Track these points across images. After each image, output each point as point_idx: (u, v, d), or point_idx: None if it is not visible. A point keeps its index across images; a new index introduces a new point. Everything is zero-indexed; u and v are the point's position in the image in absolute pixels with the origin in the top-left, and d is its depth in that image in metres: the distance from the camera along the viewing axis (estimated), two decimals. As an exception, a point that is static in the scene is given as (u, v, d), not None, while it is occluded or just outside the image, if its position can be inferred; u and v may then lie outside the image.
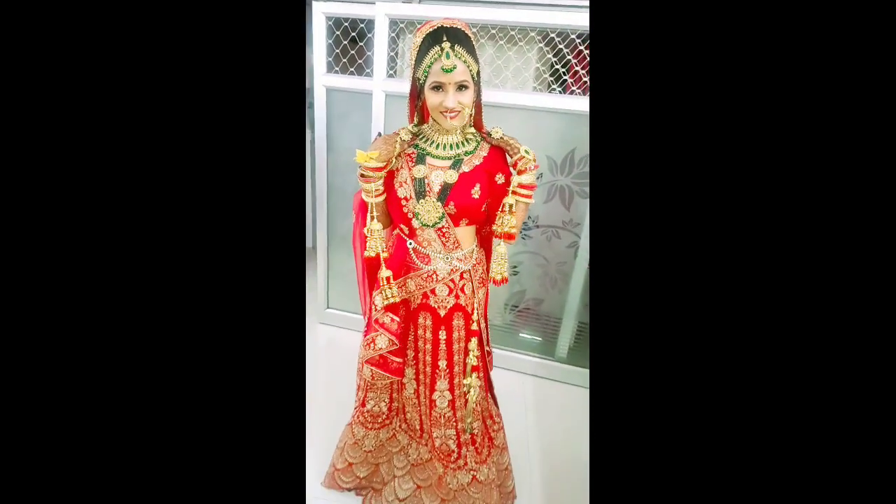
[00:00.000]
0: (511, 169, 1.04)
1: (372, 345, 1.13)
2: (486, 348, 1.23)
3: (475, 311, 1.12)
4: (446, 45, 0.91)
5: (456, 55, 0.92)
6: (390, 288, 1.06)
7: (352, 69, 1.97)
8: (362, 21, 1.84)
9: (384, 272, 1.04)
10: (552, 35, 1.67)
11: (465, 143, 1.05)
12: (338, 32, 1.86)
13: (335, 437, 1.37)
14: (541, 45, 1.74)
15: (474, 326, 1.12)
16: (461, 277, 1.10)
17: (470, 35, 0.95)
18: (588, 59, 1.67)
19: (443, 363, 1.14)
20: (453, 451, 1.19)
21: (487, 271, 1.12)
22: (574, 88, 1.72)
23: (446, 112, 0.96)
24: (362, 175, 1.00)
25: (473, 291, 1.11)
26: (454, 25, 0.94)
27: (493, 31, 1.72)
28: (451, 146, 1.04)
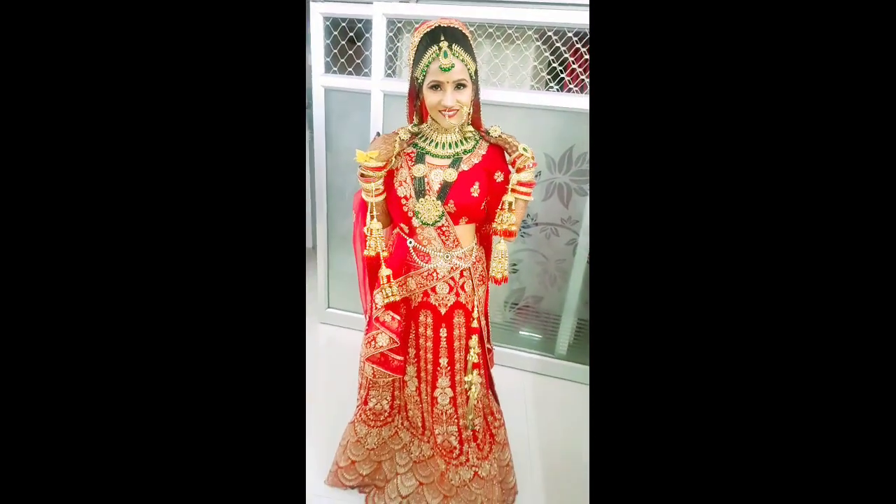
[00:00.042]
0: (510, 167, 1.05)
1: (373, 343, 1.14)
2: (487, 345, 1.24)
3: (475, 309, 1.13)
4: (444, 44, 0.91)
5: (454, 54, 0.92)
6: (390, 286, 1.06)
7: (350, 69, 1.98)
8: (360, 21, 1.84)
9: (384, 271, 1.05)
10: (549, 33, 1.68)
11: (464, 142, 1.05)
12: (335, 32, 1.87)
13: (336, 436, 1.38)
14: (538, 43, 1.74)
15: (475, 324, 1.12)
16: (461, 275, 1.11)
17: (467, 34, 0.96)
18: (585, 57, 1.67)
19: (444, 360, 1.15)
20: (455, 448, 1.20)
21: (487, 269, 1.13)
22: (571, 86, 1.72)
23: (445, 111, 0.97)
24: (362, 175, 1.00)
25: (473, 289, 1.12)
26: (451, 25, 0.94)
27: (491, 30, 1.73)
28: (449, 145, 1.05)
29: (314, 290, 2.31)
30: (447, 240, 1.07)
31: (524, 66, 1.81)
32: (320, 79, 1.91)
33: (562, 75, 1.74)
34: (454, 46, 0.92)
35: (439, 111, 0.98)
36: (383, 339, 1.13)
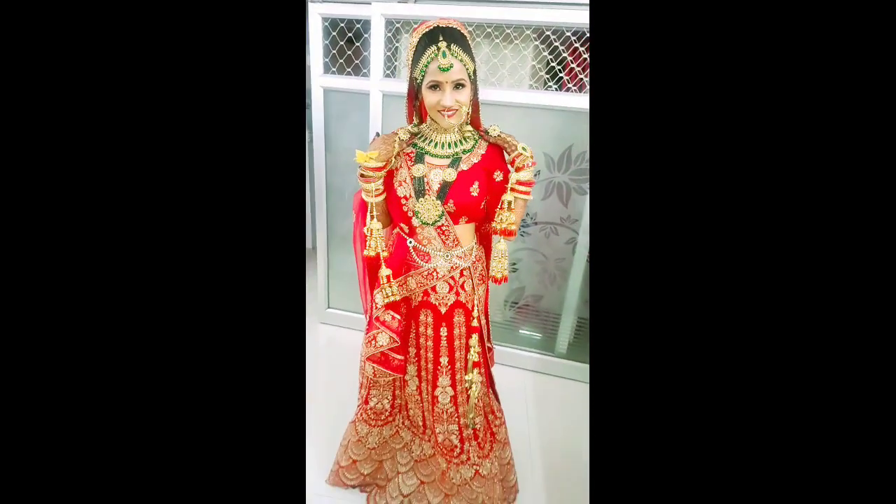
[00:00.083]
0: (509, 166, 1.05)
1: (373, 342, 1.14)
2: (487, 344, 1.24)
3: (475, 308, 1.13)
4: (442, 44, 0.92)
5: (452, 54, 0.93)
6: (391, 286, 1.07)
7: (349, 70, 1.98)
8: (358, 21, 1.84)
9: (384, 271, 1.05)
10: (547, 33, 1.68)
11: (464, 142, 1.06)
12: (334, 33, 1.87)
13: (336, 436, 1.39)
14: (536, 42, 1.75)
15: (475, 323, 1.13)
16: (461, 274, 1.11)
17: (466, 34, 0.96)
18: (583, 56, 1.67)
19: (444, 360, 1.15)
20: (456, 447, 1.20)
21: (487, 268, 1.13)
22: (570, 86, 1.72)
23: (444, 111, 0.97)
24: (362, 175, 1.00)
25: (473, 288, 1.13)
26: (450, 25, 0.95)
27: (489, 30, 1.73)
28: (449, 145, 1.05)
29: (314, 290, 2.31)
30: (447, 239, 1.07)
31: (522, 66, 1.81)
32: (319, 79, 1.91)
33: (560, 74, 1.74)
34: (453, 46, 0.93)
35: (438, 111, 0.98)
36: (384, 339, 1.13)
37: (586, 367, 1.98)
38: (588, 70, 1.68)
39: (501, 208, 1.01)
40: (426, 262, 1.09)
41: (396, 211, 1.08)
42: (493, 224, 1.03)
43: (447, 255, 1.09)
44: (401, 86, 1.75)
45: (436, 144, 1.05)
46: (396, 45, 1.91)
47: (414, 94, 1.01)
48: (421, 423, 1.26)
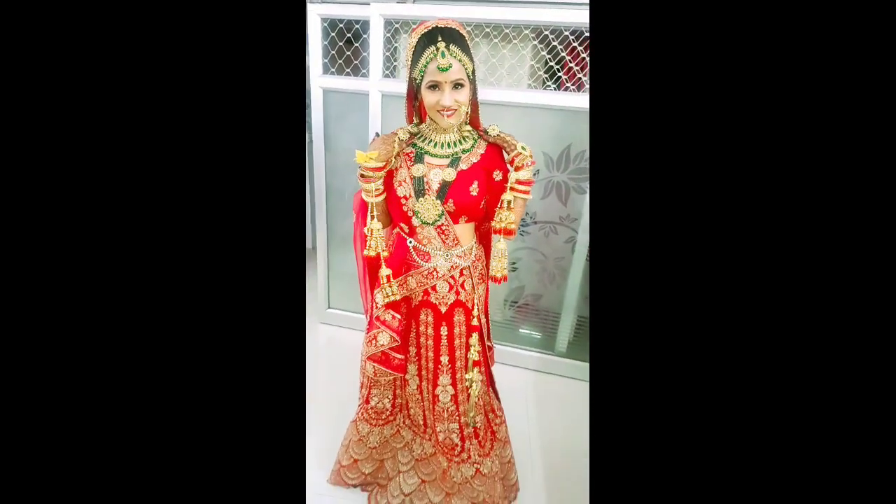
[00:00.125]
0: (508, 165, 1.06)
1: (374, 341, 1.14)
2: (488, 343, 1.25)
3: (475, 307, 1.13)
4: (441, 44, 0.92)
5: (451, 54, 0.93)
6: (391, 286, 1.07)
7: (348, 70, 1.98)
8: (357, 22, 1.85)
9: (384, 270, 1.06)
10: (546, 32, 1.68)
11: (463, 142, 1.06)
12: (333, 34, 1.87)
13: (337, 435, 1.39)
14: (535, 42, 1.75)
15: (475, 322, 1.13)
16: (461, 274, 1.11)
17: (464, 34, 0.97)
18: (582, 55, 1.68)
19: (445, 359, 1.16)
20: (457, 445, 1.20)
21: (487, 267, 1.14)
22: (569, 85, 1.73)
23: (443, 111, 0.98)
24: (362, 175, 1.01)
25: (473, 287, 1.13)
26: (448, 25, 0.95)
27: (488, 30, 1.73)
28: (448, 144, 1.05)
29: (314, 291, 2.31)
30: (447, 239, 1.08)
31: (521, 66, 1.82)
32: (318, 80, 1.91)
33: (559, 74, 1.74)
34: (451, 46, 0.93)
35: (438, 111, 0.98)
36: (384, 338, 1.13)
37: (586, 365, 1.98)
38: (586, 69, 1.68)
39: (501, 207, 1.02)
40: (426, 262, 1.10)
41: (396, 211, 1.09)
42: (493, 223, 1.04)
43: (447, 255, 1.09)
44: (400, 86, 1.75)
45: (435, 144, 1.06)
46: (395, 45, 1.91)
47: (413, 95, 1.01)
48: (422, 422, 1.26)
